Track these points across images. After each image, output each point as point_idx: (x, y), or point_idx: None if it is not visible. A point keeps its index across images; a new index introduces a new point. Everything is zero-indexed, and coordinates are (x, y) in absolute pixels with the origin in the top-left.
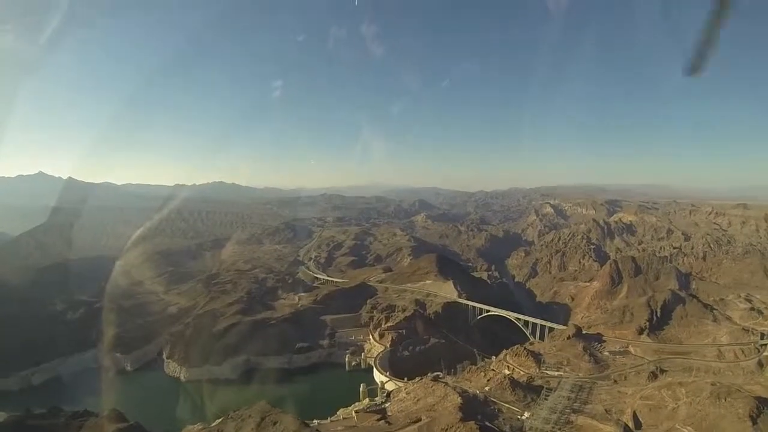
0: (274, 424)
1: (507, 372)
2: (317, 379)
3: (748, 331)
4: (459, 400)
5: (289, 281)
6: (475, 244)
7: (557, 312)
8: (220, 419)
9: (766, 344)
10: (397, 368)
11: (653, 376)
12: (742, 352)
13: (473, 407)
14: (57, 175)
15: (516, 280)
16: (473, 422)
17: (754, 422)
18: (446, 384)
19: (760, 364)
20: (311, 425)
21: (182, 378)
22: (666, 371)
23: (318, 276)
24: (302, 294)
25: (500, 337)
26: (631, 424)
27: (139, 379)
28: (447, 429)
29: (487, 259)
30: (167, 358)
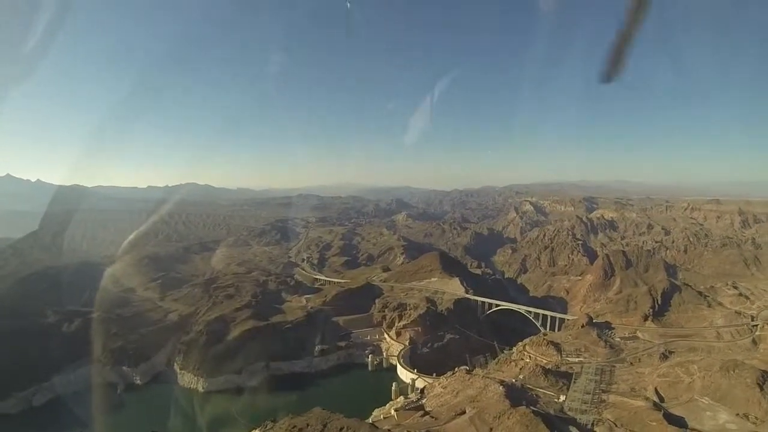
0: (341, 430)
1: (528, 361)
2: (341, 381)
3: (740, 314)
4: (501, 389)
5: (291, 283)
6: (461, 241)
7: (554, 305)
8: (257, 429)
9: (757, 325)
10: (417, 365)
11: (664, 356)
12: (738, 332)
13: (515, 395)
14: (25, 178)
15: (506, 276)
16: (524, 407)
17: (761, 388)
18: (484, 375)
19: (754, 342)
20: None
21: (200, 389)
22: (673, 352)
23: (318, 277)
24: (308, 296)
25: (509, 330)
26: (656, 399)
27: (153, 393)
28: (499, 416)
29: (474, 257)
30: (181, 369)
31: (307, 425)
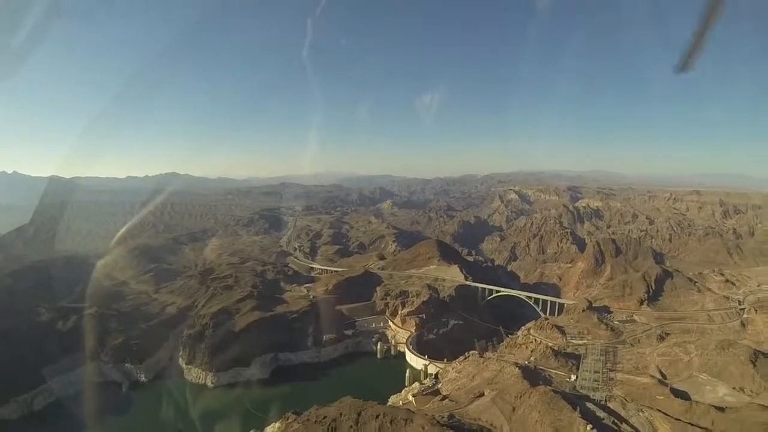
0: (377, 417)
1: (539, 343)
2: (351, 369)
3: (728, 298)
4: (518, 370)
5: (289, 273)
6: (449, 229)
7: (547, 291)
8: (278, 422)
9: (744, 308)
10: (425, 351)
11: (661, 338)
12: (727, 315)
13: (530, 375)
14: (1, 170)
15: (496, 263)
16: (543, 386)
17: (754, 365)
18: (498, 358)
19: (743, 324)
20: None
21: (210, 384)
22: (669, 334)
23: (313, 266)
24: (308, 285)
25: (507, 315)
26: (659, 376)
27: (160, 390)
28: (520, 396)
29: (463, 244)
30: (187, 364)
31: (340, 415)
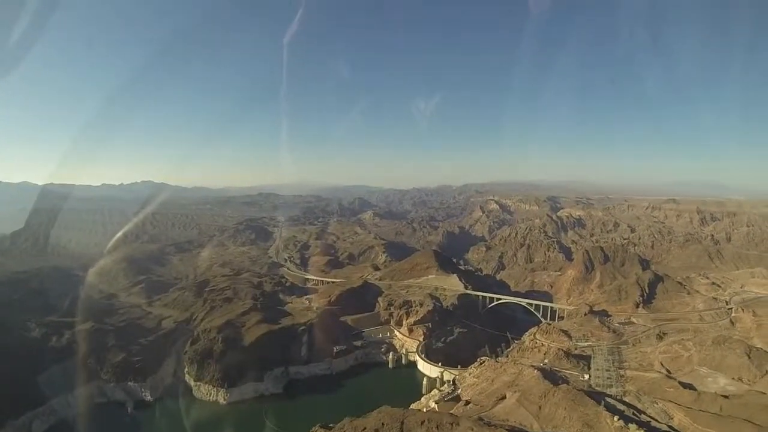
0: (422, 423)
1: (551, 346)
2: (364, 380)
3: (716, 299)
4: (537, 372)
5: (287, 284)
6: (433, 240)
7: (541, 298)
8: None
9: (731, 308)
10: (434, 359)
11: (659, 337)
12: (717, 315)
13: (549, 376)
14: None
15: (484, 272)
16: (565, 385)
17: (749, 357)
18: (514, 362)
19: (732, 322)
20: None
21: (222, 400)
22: (666, 333)
23: (309, 277)
24: (309, 296)
25: (506, 322)
26: (664, 371)
27: (168, 409)
28: (545, 395)
29: (449, 254)
30: (196, 381)
31: (382, 425)
